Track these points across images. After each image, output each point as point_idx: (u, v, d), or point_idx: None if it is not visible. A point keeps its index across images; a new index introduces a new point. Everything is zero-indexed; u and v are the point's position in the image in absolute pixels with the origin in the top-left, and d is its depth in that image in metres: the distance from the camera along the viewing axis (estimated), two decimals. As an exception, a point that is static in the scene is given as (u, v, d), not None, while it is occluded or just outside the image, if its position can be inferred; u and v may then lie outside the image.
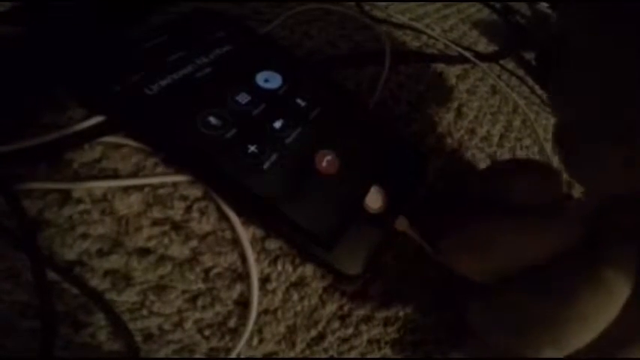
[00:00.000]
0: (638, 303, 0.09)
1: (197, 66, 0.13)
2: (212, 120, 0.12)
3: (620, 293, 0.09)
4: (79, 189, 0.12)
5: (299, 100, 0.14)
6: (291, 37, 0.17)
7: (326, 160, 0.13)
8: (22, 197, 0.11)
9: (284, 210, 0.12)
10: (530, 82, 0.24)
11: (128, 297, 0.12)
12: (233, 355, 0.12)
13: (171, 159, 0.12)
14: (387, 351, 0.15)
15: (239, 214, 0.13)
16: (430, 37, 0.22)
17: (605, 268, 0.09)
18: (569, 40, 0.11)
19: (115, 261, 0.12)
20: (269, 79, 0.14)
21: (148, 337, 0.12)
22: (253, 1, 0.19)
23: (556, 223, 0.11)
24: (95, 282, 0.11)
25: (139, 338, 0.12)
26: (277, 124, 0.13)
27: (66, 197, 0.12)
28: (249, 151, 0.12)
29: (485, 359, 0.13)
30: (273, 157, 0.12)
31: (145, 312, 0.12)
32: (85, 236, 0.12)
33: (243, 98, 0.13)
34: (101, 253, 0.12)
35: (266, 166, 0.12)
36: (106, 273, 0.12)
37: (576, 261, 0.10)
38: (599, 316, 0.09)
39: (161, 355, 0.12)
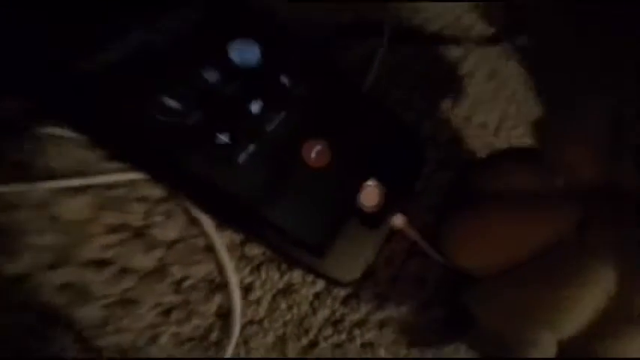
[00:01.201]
0: (622, 292, 0.10)
1: (154, 32, 0.10)
2: (170, 102, 0.09)
3: (605, 280, 0.11)
4: (12, 192, 0.09)
5: (283, 78, 0.11)
6: (274, 6, 0.14)
7: (315, 151, 0.11)
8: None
9: (265, 213, 0.10)
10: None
11: (90, 312, 0.10)
12: None
13: (121, 154, 0.10)
14: (381, 353, 0.14)
15: (211, 217, 0.11)
16: (432, 14, 0.20)
17: (591, 259, 0.11)
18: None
19: (67, 274, 0.10)
20: (245, 51, 0.11)
21: (123, 352, 0.10)
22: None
23: (548, 216, 0.12)
24: (50, 297, 0.10)
25: (114, 355, 0.10)
26: (255, 107, 0.11)
27: (1, 203, 0.09)
28: (220, 140, 0.10)
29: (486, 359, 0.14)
30: (251, 147, 0.10)
31: (110, 329, 0.10)
32: (29, 246, 0.10)
33: (211, 74, 0.10)
34: (51, 267, 0.10)
35: (241, 159, 0.10)
36: (62, 287, 0.10)
37: (567, 252, 0.11)
38: (588, 300, 0.11)
39: None
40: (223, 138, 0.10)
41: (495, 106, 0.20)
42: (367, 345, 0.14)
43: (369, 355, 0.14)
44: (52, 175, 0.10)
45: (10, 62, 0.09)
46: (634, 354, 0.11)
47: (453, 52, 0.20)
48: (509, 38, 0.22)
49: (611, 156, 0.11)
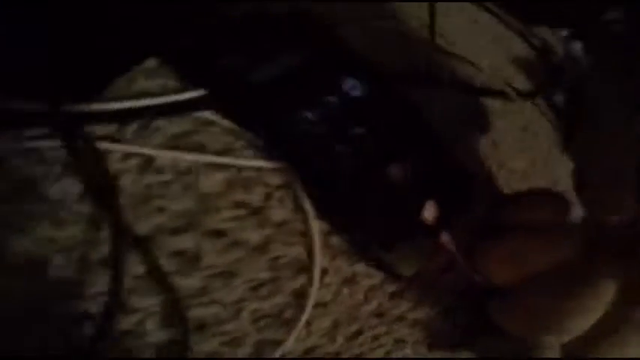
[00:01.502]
0: (619, 304, 0.13)
1: (296, 63, 0.14)
2: (309, 115, 0.13)
3: (604, 295, 0.13)
4: (163, 157, 0.12)
5: (378, 111, 0.15)
6: (365, 49, 0.18)
7: (397, 170, 0.14)
8: (105, 157, 0.11)
9: (353, 208, 0.13)
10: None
11: (193, 282, 0.11)
12: (280, 350, 0.12)
13: (264, 144, 0.13)
14: (408, 351, 0.16)
15: (314, 207, 0.13)
16: (478, 69, 0.24)
17: (596, 279, 0.13)
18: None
19: (187, 241, 0.11)
20: (355, 87, 0.15)
21: (200, 327, 0.11)
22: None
23: (562, 242, 0.15)
24: (162, 262, 0.11)
25: (192, 326, 0.11)
26: (360, 130, 0.14)
27: (147, 164, 0.12)
28: (337, 149, 0.13)
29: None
30: (356, 158, 0.13)
31: (205, 299, 0.11)
32: (160, 210, 0.11)
33: (334, 100, 0.14)
34: (175, 231, 0.11)
35: (347, 166, 0.13)
36: (175, 254, 0.11)
37: (576, 271, 0.14)
38: (589, 311, 0.13)
39: (206, 348, 0.11)
40: (340, 147, 0.13)
41: (523, 156, 0.23)
42: (400, 341, 0.15)
43: (398, 351, 0.15)
44: (200, 150, 0.12)
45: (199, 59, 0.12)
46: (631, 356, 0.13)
47: (494, 103, 0.24)
48: (545, 94, 0.26)
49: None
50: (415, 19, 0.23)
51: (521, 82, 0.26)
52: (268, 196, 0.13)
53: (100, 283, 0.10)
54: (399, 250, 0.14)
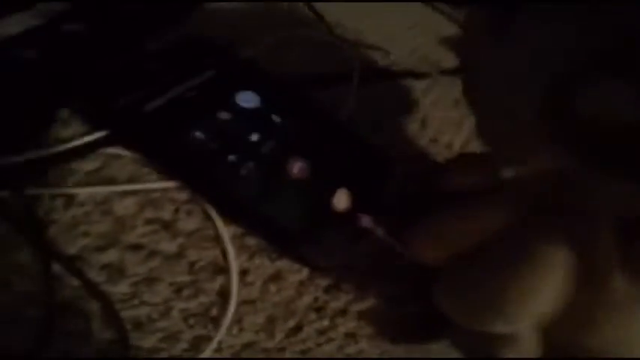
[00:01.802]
0: (588, 284, 0.10)
1: (187, 87, 0.15)
2: (198, 134, 0.14)
3: (553, 265, 0.10)
4: (82, 193, 0.14)
5: (274, 117, 0.16)
6: (270, 61, 0.19)
7: (297, 167, 0.15)
8: (33, 201, 0.13)
9: (260, 209, 0.14)
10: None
11: (121, 288, 0.13)
12: (214, 343, 0.13)
13: (164, 167, 0.14)
14: (363, 345, 0.16)
15: (221, 214, 0.14)
16: (397, 56, 0.25)
17: (536, 244, 0.11)
18: None
19: (111, 255, 0.13)
20: (248, 99, 0.16)
21: (137, 325, 0.13)
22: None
23: (492, 207, 0.12)
24: (93, 275, 0.13)
25: (129, 326, 0.12)
26: (254, 137, 0.15)
27: (70, 201, 0.14)
28: (230, 159, 0.14)
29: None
30: (250, 164, 0.15)
31: (135, 302, 0.13)
32: (85, 234, 0.13)
33: (225, 116, 0.15)
34: (99, 249, 0.13)
35: (243, 172, 0.14)
36: (103, 267, 0.13)
37: (514, 239, 0.11)
38: (538, 288, 0.10)
39: (146, 344, 0.12)
40: (232, 158, 0.14)
41: (460, 130, 0.23)
42: (350, 335, 0.15)
43: (351, 345, 0.15)
44: (111, 182, 0.14)
45: (97, 103, 0.14)
46: (625, 341, 0.10)
47: (419, 84, 0.24)
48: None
49: (549, 139, 0.10)
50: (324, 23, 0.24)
51: (451, 61, 0.26)
52: (177, 211, 0.14)
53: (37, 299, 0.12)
54: (315, 240, 0.14)
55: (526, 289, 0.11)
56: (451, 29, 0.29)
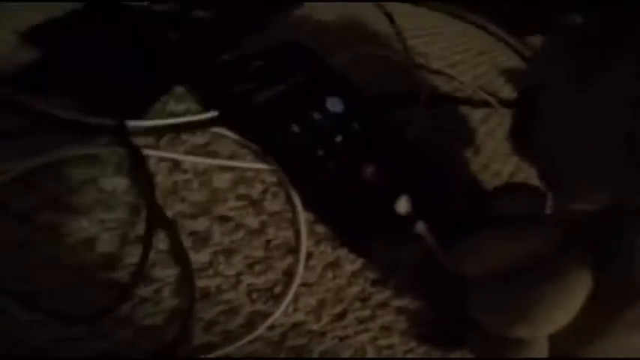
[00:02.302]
0: (600, 299, 0.13)
1: (288, 86, 0.17)
2: (295, 128, 0.17)
3: (577, 289, 0.13)
4: (186, 162, 0.16)
5: (354, 123, 0.19)
6: (351, 73, 0.21)
7: (370, 170, 0.17)
8: (145, 161, 0.15)
9: (334, 201, 0.16)
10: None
11: (201, 257, 0.14)
12: (269, 320, 0.13)
13: (264, 151, 0.16)
14: (395, 339, 0.17)
15: (302, 200, 0.16)
16: (460, 82, 0.26)
17: (567, 271, 0.13)
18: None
19: (201, 223, 0.15)
20: (336, 104, 0.18)
21: (205, 296, 0.13)
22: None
23: (534, 233, 0.15)
24: (182, 239, 0.14)
25: (196, 296, 0.13)
26: (338, 138, 0.17)
27: (176, 167, 0.16)
28: (318, 154, 0.16)
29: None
30: (334, 161, 0.17)
31: (210, 272, 0.14)
32: (182, 200, 0.15)
33: (317, 116, 0.18)
34: (192, 216, 0.15)
35: (328, 166, 0.16)
36: (191, 233, 0.14)
37: (548, 264, 0.14)
38: (565, 305, 0.13)
39: (207, 316, 0.13)
40: (320, 152, 0.17)
41: (510, 161, 0.25)
42: (385, 328, 0.17)
43: (384, 338, 0.16)
44: (214, 156, 0.16)
45: (215, 87, 0.16)
46: (621, 354, 0.13)
47: (478, 113, 0.25)
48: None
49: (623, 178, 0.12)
50: (402, 44, 0.26)
51: (509, 92, 0.28)
52: (265, 191, 0.16)
53: (133, 256, 0.13)
54: (374, 236, 0.16)
55: (555, 305, 0.13)
56: (513, 61, 0.30)
